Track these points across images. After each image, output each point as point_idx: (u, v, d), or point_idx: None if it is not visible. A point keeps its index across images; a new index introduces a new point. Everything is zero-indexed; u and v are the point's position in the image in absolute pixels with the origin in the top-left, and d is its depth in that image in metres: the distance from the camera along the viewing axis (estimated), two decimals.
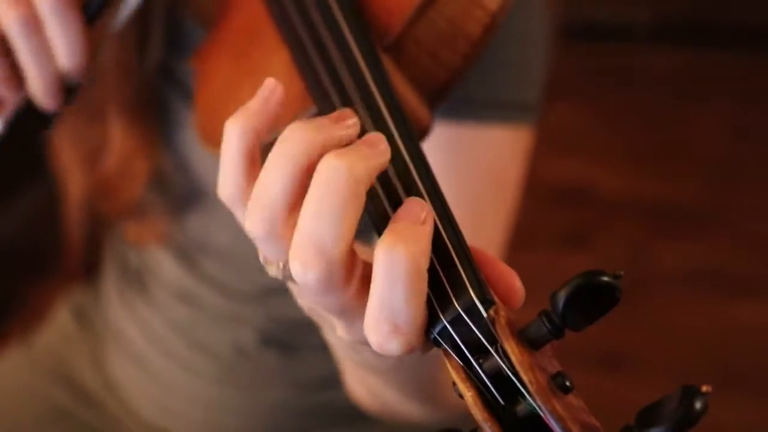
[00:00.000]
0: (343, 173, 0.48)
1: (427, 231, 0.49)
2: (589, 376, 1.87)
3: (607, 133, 2.43)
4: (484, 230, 0.85)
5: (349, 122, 0.52)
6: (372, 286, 0.48)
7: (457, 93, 0.78)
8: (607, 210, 2.28)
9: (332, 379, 1.04)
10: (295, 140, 0.50)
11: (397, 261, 0.47)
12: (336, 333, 0.55)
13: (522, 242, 0.90)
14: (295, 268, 0.49)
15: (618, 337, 1.96)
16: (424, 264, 0.48)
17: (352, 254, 0.49)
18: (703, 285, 2.12)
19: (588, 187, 2.32)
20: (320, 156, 0.49)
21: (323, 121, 0.52)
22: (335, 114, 0.53)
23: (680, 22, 2.69)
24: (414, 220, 0.49)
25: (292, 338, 1.04)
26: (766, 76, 2.54)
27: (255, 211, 0.50)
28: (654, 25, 2.65)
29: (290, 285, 0.56)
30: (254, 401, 1.07)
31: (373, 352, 0.50)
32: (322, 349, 1.05)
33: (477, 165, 0.85)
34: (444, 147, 0.82)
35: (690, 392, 0.43)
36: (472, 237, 0.52)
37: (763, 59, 2.58)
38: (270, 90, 0.54)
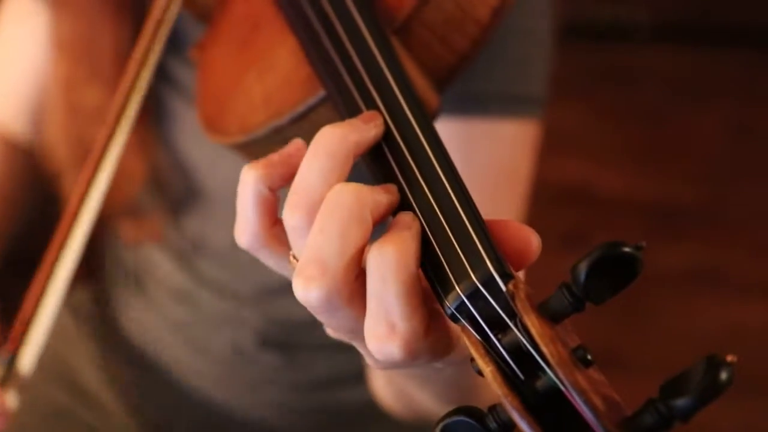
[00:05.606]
0: (348, 196, 0.50)
1: (414, 234, 0.51)
2: None
3: (607, 133, 2.42)
4: None
5: (377, 122, 0.55)
6: (367, 286, 0.49)
7: (465, 88, 0.78)
8: (607, 210, 2.27)
9: (331, 379, 1.04)
10: (330, 136, 0.52)
11: (386, 258, 0.49)
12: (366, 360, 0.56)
13: None
14: (297, 286, 0.50)
15: (617, 336, 1.95)
16: (413, 262, 0.50)
17: (356, 274, 0.50)
18: (703, 285, 2.11)
19: (588, 187, 2.31)
20: (354, 155, 0.52)
21: (354, 121, 0.55)
22: (364, 115, 0.56)
23: (681, 22, 2.68)
24: (402, 227, 0.51)
25: (291, 339, 1.04)
26: (766, 76, 2.53)
27: (295, 196, 0.52)
28: (654, 25, 2.64)
29: None
30: (253, 402, 1.07)
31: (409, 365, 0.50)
32: (321, 349, 1.06)
33: (487, 160, 0.85)
34: (454, 144, 0.82)
35: (715, 362, 0.42)
36: None
37: (764, 59, 2.57)
38: (295, 149, 0.56)
